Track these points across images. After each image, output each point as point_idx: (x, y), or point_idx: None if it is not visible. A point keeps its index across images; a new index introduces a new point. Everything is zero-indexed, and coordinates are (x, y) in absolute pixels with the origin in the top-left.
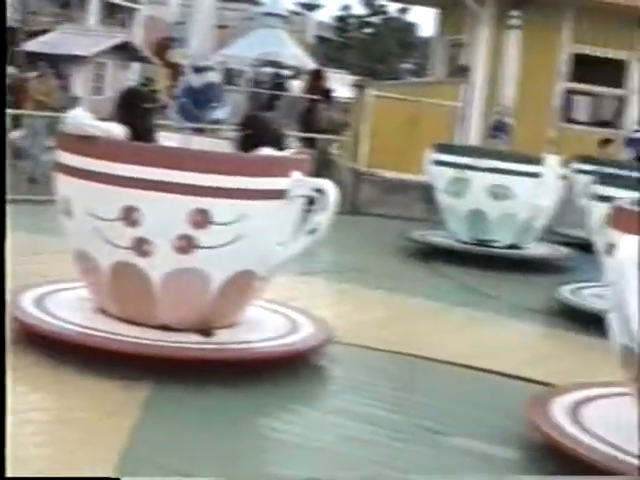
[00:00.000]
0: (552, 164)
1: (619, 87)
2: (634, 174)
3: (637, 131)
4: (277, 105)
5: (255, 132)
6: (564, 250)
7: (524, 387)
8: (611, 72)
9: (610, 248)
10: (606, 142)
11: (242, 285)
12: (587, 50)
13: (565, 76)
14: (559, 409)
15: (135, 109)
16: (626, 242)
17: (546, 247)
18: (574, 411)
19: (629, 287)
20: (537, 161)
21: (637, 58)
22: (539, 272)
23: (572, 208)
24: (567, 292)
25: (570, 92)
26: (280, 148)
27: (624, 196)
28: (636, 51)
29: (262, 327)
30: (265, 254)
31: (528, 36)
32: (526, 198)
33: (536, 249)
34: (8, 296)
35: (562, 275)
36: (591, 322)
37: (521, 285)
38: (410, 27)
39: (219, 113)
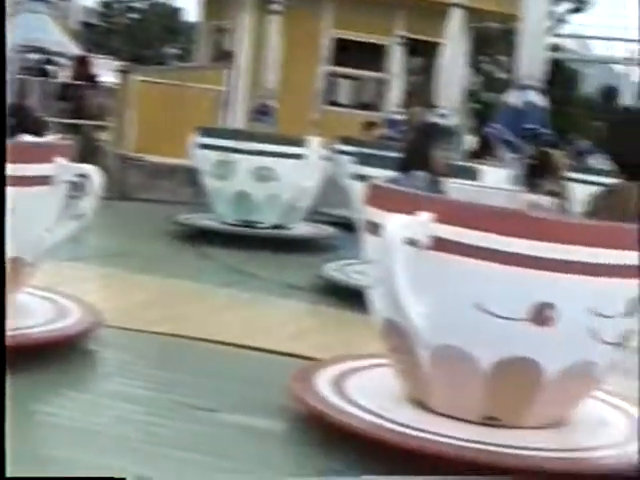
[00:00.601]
0: (315, 146)
1: (380, 71)
2: (391, 154)
3: (396, 113)
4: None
5: (16, 120)
6: (328, 229)
7: (290, 362)
8: (372, 56)
9: (370, 226)
10: (370, 125)
11: (10, 272)
12: (348, 35)
13: (327, 60)
14: (323, 381)
15: None
16: (392, 220)
17: (311, 227)
18: (337, 382)
19: (396, 264)
20: (300, 143)
21: (396, 43)
22: (304, 251)
23: (335, 188)
24: (331, 270)
25: (333, 76)
26: (41, 135)
27: (382, 175)
28: (395, 36)
29: (31, 313)
30: (32, 240)
31: (290, 21)
32: (290, 179)
33: (301, 229)
34: None
35: (327, 253)
36: (354, 298)
37: (287, 264)
38: (175, 12)
39: None
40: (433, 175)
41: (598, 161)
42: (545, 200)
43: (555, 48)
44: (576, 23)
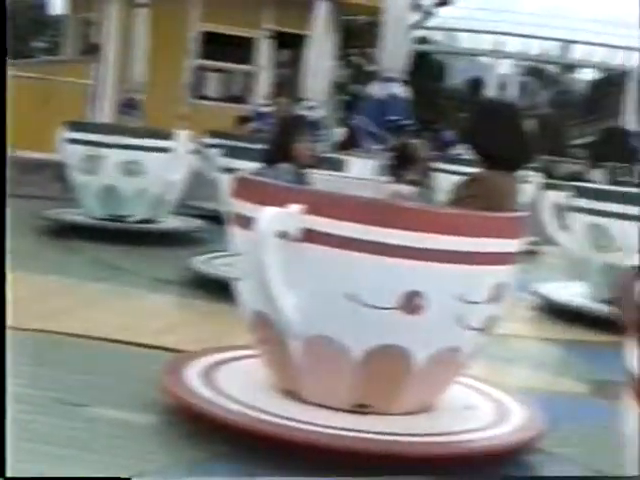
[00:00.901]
0: (183, 139)
1: (248, 64)
2: (260, 147)
3: (265, 105)
4: None
5: None
6: (197, 222)
7: (160, 355)
8: (240, 49)
9: (238, 219)
10: (243, 120)
11: None
12: (216, 28)
13: (195, 53)
14: (193, 373)
15: None
16: (262, 213)
17: (179, 220)
18: (207, 374)
19: (267, 256)
20: (168, 137)
21: (264, 36)
22: (173, 245)
23: (203, 181)
24: (199, 263)
25: (201, 69)
26: None
27: (250, 168)
28: (263, 29)
29: None
30: None
31: (157, 14)
32: (158, 173)
33: (169, 222)
34: None
35: (195, 246)
36: (222, 290)
37: (156, 258)
38: (42, 4)
39: None
40: (298, 167)
41: (463, 151)
42: (408, 190)
43: (422, 41)
44: (444, 16)
